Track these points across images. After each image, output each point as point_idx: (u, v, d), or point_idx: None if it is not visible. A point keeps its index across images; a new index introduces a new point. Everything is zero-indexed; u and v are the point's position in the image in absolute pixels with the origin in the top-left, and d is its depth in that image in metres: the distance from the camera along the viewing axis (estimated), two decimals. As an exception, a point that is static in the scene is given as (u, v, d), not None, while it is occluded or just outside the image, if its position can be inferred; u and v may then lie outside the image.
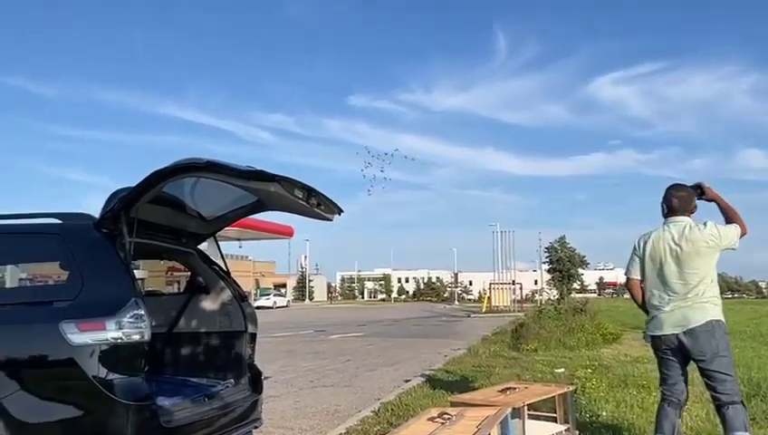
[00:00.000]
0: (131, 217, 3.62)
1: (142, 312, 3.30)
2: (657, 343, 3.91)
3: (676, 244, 3.78)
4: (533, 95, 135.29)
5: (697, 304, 3.73)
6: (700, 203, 3.96)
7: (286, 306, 59.02)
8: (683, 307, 3.74)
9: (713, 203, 3.97)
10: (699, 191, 3.95)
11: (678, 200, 3.88)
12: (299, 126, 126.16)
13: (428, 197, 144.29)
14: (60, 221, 3.77)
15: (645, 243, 3.93)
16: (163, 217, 4.27)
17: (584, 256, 35.86)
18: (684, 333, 3.72)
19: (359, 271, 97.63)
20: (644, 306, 4.03)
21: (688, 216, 3.88)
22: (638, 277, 4.00)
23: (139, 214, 3.69)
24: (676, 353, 3.82)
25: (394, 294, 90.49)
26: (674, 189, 3.94)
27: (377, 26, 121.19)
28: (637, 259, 4.00)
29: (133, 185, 3.53)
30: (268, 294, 60.53)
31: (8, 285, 4.80)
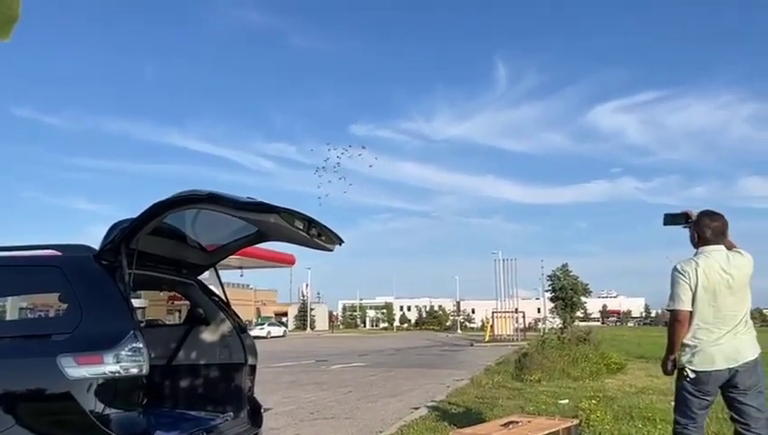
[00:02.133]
0: (132, 249, 3.62)
1: (141, 345, 3.27)
2: (702, 378, 3.55)
3: (726, 272, 3.56)
4: (534, 124, 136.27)
5: (746, 336, 3.57)
6: (678, 230, 3.88)
7: (282, 336, 54.12)
8: (733, 339, 3.54)
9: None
10: (686, 219, 3.88)
11: (717, 228, 3.68)
12: (301, 154, 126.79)
13: (430, 224, 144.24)
14: (60, 253, 3.77)
15: (696, 272, 3.58)
16: (164, 249, 4.27)
17: (587, 284, 35.55)
18: (737, 367, 3.50)
19: (360, 299, 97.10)
20: (678, 341, 3.68)
21: (724, 244, 3.69)
22: (691, 309, 3.60)
23: (139, 245, 3.68)
24: (715, 391, 3.58)
25: (396, 323, 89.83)
26: (709, 218, 3.71)
27: (378, 57, 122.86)
28: (689, 290, 3.58)
29: (134, 216, 3.54)
30: (262, 324, 55.88)
31: (7, 317, 4.76)
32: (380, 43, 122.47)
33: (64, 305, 3.73)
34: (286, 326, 75.61)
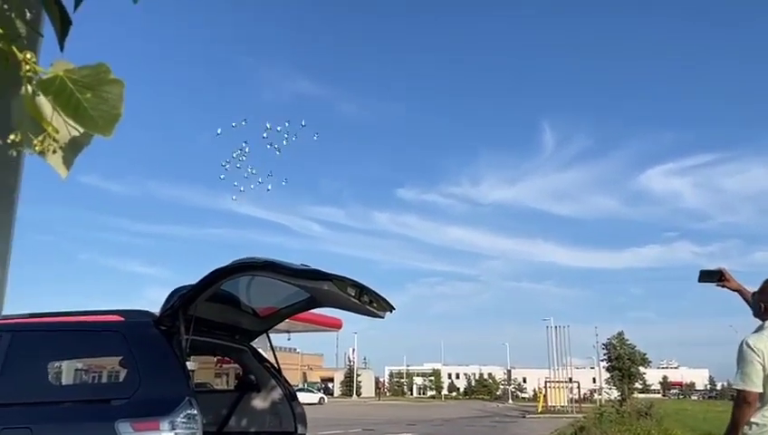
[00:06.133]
0: (189, 315, 3.70)
1: (195, 412, 3.30)
2: None
3: None
4: (583, 187, 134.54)
5: None
6: (718, 291, 3.71)
7: (318, 404, 47.63)
8: None
9: (736, 293, 3.70)
10: (719, 277, 3.73)
11: None
12: (349, 219, 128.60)
13: (478, 289, 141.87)
14: (122, 318, 3.89)
15: (764, 350, 3.34)
16: (218, 314, 4.35)
17: (645, 354, 34.02)
18: None
19: (407, 366, 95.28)
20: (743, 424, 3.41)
21: None
22: (762, 391, 3.33)
23: (196, 311, 3.77)
24: None
25: (444, 391, 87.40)
26: None
27: (424, 122, 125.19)
28: (761, 370, 3.34)
29: (185, 278, 3.65)
30: (302, 390, 53.70)
31: (68, 379, 4.90)
32: (426, 108, 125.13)
33: (120, 368, 3.82)
34: (329, 392, 74.49)
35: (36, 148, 0.77)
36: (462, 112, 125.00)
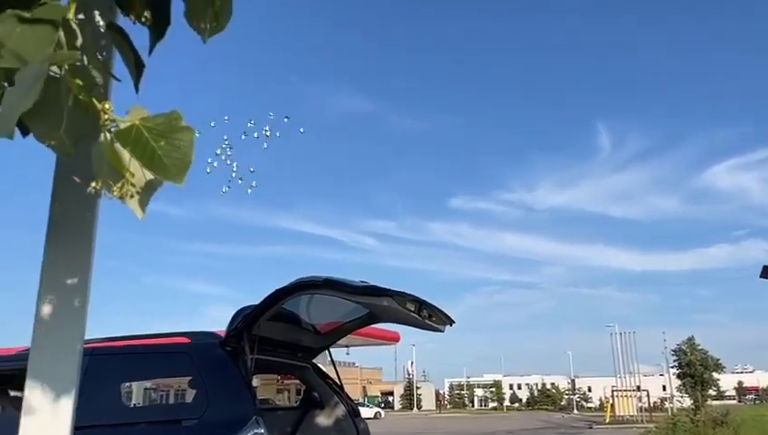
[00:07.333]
0: (253, 335, 3.78)
1: (263, 430, 3.36)
2: None
3: None
4: (643, 188, 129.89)
5: None
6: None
7: (374, 418, 44.45)
8: None
9: None
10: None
11: None
12: (402, 231, 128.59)
13: (538, 297, 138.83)
14: (189, 340, 4.01)
15: None
16: (280, 333, 4.42)
17: (718, 359, 32.48)
18: None
19: (467, 377, 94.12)
20: None
21: None
22: None
23: (260, 331, 3.85)
24: None
25: (506, 403, 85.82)
26: None
27: (475, 129, 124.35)
28: None
29: (251, 300, 3.73)
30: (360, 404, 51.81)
31: (141, 401, 5.08)
32: (476, 115, 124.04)
33: (188, 388, 3.92)
34: (390, 405, 74.28)
35: (116, 193, 0.80)
36: (513, 118, 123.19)
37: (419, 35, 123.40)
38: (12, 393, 4.54)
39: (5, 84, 0.85)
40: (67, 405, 1.25)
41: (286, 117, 4.45)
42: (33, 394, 1.24)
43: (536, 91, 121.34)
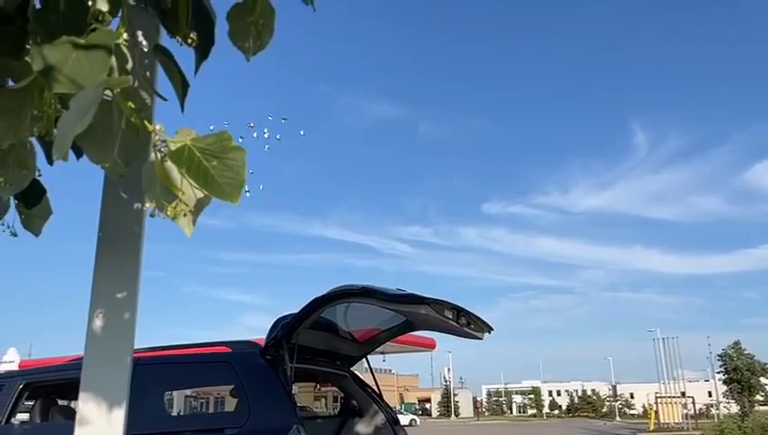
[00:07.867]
0: (292, 344, 3.81)
1: (304, 439, 3.37)
2: None
3: None
4: (682, 188, 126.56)
5: None
6: None
7: (410, 425, 41.88)
8: None
9: None
10: None
11: None
12: (435, 236, 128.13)
13: (575, 301, 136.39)
14: (230, 349, 4.07)
15: None
16: (319, 341, 4.44)
17: (765, 364, 31.31)
18: None
19: (505, 384, 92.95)
20: None
21: None
22: None
23: (298, 340, 3.87)
24: None
25: (545, 409, 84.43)
26: None
27: (506, 134, 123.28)
28: None
29: (287, 308, 3.76)
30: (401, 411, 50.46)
31: (184, 410, 5.17)
32: (507, 119, 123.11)
33: (228, 397, 3.97)
34: (427, 413, 73.72)
35: (170, 213, 0.83)
36: (546, 121, 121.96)
37: (449, 40, 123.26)
38: (60, 402, 4.67)
39: (60, 108, 0.88)
40: (119, 416, 1.28)
41: (283, 118, 4.49)
42: (87, 406, 1.27)
43: (569, 91, 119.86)
